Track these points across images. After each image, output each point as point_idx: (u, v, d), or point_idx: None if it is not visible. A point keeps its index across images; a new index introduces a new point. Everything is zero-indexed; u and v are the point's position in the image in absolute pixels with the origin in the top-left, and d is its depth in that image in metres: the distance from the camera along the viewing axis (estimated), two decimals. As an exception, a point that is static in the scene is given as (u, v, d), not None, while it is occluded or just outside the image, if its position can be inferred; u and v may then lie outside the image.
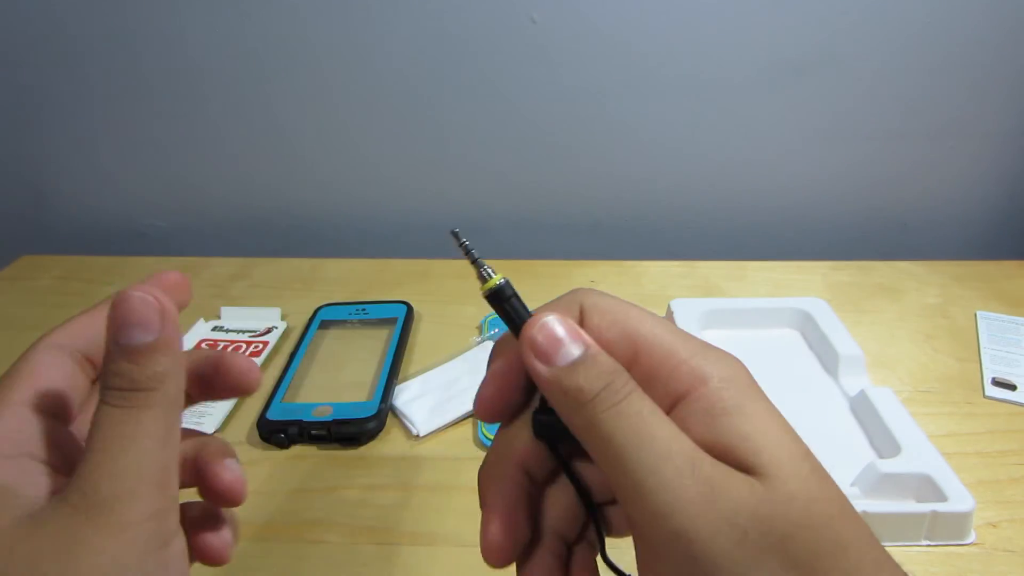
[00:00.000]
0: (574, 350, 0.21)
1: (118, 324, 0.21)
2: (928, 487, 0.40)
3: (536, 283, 0.67)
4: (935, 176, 0.75)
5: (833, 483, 0.20)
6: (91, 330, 0.25)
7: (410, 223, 0.80)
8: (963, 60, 0.68)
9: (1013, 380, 0.53)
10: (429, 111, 0.72)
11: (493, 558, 0.23)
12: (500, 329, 0.58)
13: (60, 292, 0.67)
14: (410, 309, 0.60)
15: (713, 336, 0.57)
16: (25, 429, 0.22)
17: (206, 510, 0.25)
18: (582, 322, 0.23)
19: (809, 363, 0.54)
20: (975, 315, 0.61)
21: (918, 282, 0.66)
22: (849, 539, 0.19)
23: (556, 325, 0.22)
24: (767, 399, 0.21)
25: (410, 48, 0.69)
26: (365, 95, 0.72)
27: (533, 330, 0.22)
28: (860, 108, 0.71)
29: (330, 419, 0.47)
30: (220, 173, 0.78)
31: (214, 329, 0.60)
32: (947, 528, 0.39)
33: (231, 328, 0.60)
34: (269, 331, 0.59)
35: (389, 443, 0.47)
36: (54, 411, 0.23)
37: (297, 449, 0.47)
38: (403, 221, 0.80)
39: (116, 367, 0.21)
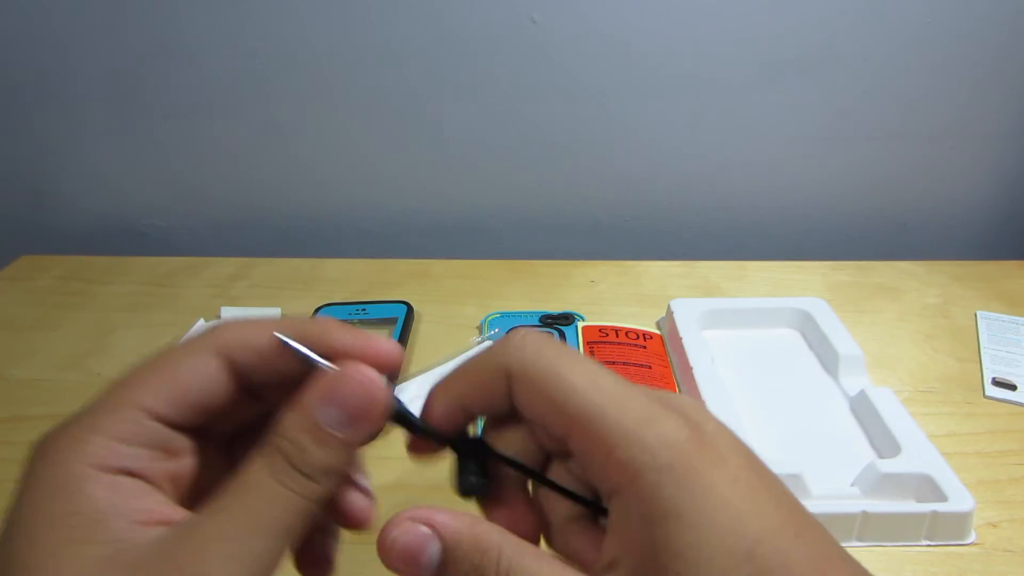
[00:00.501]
0: (433, 554, 0.20)
1: (326, 397, 0.20)
2: (928, 487, 0.40)
3: (536, 283, 0.67)
4: (935, 176, 0.75)
5: (783, 570, 0.18)
6: (256, 340, 0.22)
7: (410, 223, 0.80)
8: (963, 60, 0.68)
9: (1013, 380, 0.53)
10: (429, 111, 0.72)
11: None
12: (500, 329, 0.58)
13: (60, 292, 0.67)
14: (410, 309, 0.60)
15: (713, 336, 0.57)
16: (136, 438, 0.20)
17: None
18: (509, 390, 0.21)
19: (809, 363, 0.54)
20: (975, 315, 0.61)
21: (918, 282, 0.66)
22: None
23: (408, 535, 0.20)
24: (711, 475, 0.19)
25: (410, 48, 0.69)
26: (365, 95, 0.72)
27: (388, 541, 0.20)
28: (860, 108, 0.71)
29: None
30: (220, 173, 0.78)
31: (214, 329, 0.59)
32: (947, 528, 0.39)
33: (231, 328, 0.60)
34: (269, 331, 0.59)
35: (389, 443, 0.47)
36: (176, 420, 0.21)
37: (297, 449, 0.47)
38: (403, 221, 0.80)
39: (297, 438, 0.19)
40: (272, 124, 0.74)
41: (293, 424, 0.19)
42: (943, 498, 0.39)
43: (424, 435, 0.24)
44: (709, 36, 0.67)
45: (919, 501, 0.41)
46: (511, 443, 0.23)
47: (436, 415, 0.23)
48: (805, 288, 0.66)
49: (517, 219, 0.80)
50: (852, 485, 0.42)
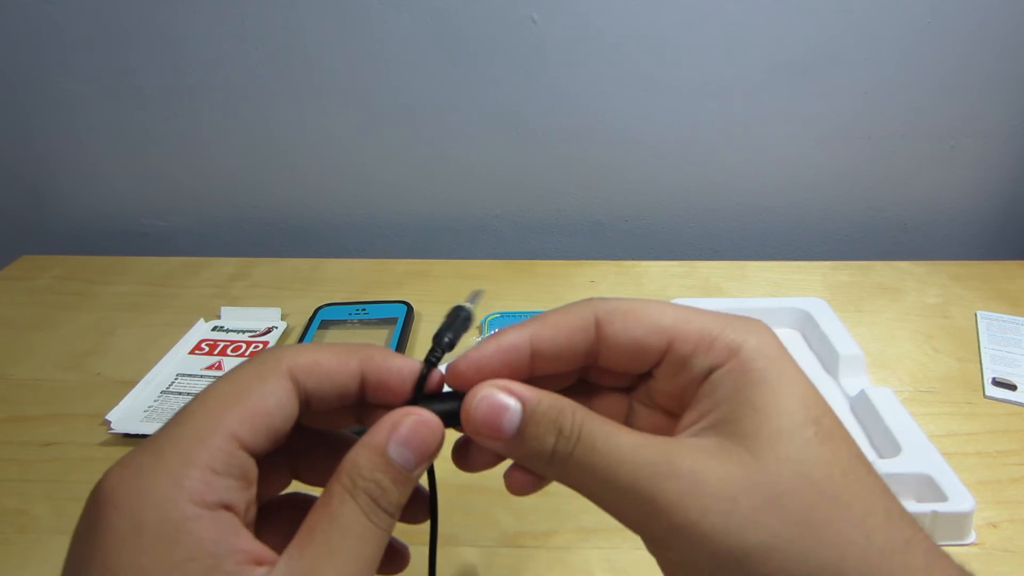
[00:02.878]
0: (514, 415, 0.22)
1: (399, 437, 0.21)
2: (928, 487, 0.40)
3: (536, 283, 0.67)
4: (935, 176, 0.75)
5: (841, 444, 0.21)
6: (334, 372, 0.23)
7: (410, 223, 0.80)
8: (964, 60, 0.68)
9: (1013, 380, 0.53)
10: (429, 111, 0.72)
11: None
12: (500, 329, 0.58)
13: (60, 292, 0.67)
14: (410, 309, 0.60)
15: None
16: (227, 469, 0.20)
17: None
18: (601, 332, 0.23)
19: (809, 363, 0.54)
20: (975, 315, 0.61)
21: (918, 282, 0.66)
22: (853, 494, 0.20)
23: (492, 396, 0.22)
24: (791, 364, 0.22)
25: (410, 48, 0.69)
26: (365, 95, 0.72)
27: (472, 409, 0.22)
28: (860, 108, 0.71)
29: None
30: (220, 173, 0.78)
31: (214, 329, 0.60)
32: (947, 528, 0.39)
33: (231, 328, 0.60)
34: (269, 331, 0.59)
35: (389, 443, 0.47)
36: (256, 448, 0.21)
37: (297, 449, 0.47)
38: (403, 221, 0.80)
39: (378, 477, 0.21)
40: (272, 124, 0.74)
41: (375, 467, 0.21)
42: (943, 498, 0.39)
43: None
44: (709, 36, 0.67)
45: (919, 501, 0.41)
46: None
47: (504, 345, 0.24)
48: (805, 288, 0.66)
49: (517, 219, 0.80)
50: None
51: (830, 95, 0.70)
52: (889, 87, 0.69)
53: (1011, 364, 0.54)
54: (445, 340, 0.25)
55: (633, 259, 0.71)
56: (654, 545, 0.21)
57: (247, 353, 0.56)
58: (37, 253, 0.74)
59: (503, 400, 0.22)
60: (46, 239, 0.83)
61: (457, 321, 0.25)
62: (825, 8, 0.65)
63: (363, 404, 0.24)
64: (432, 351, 0.24)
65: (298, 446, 0.24)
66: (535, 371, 0.24)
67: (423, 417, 0.22)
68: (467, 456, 0.25)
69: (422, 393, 0.24)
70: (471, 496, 0.43)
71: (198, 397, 0.21)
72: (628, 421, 0.26)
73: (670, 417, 0.25)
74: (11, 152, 0.77)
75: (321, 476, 0.24)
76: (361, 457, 0.21)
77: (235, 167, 0.77)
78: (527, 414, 0.22)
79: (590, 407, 0.23)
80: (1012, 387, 0.52)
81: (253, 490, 0.21)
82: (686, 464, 0.20)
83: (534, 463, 0.22)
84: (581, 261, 0.71)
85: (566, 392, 0.23)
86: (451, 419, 0.23)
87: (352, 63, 0.70)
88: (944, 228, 0.79)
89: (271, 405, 0.21)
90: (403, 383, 0.23)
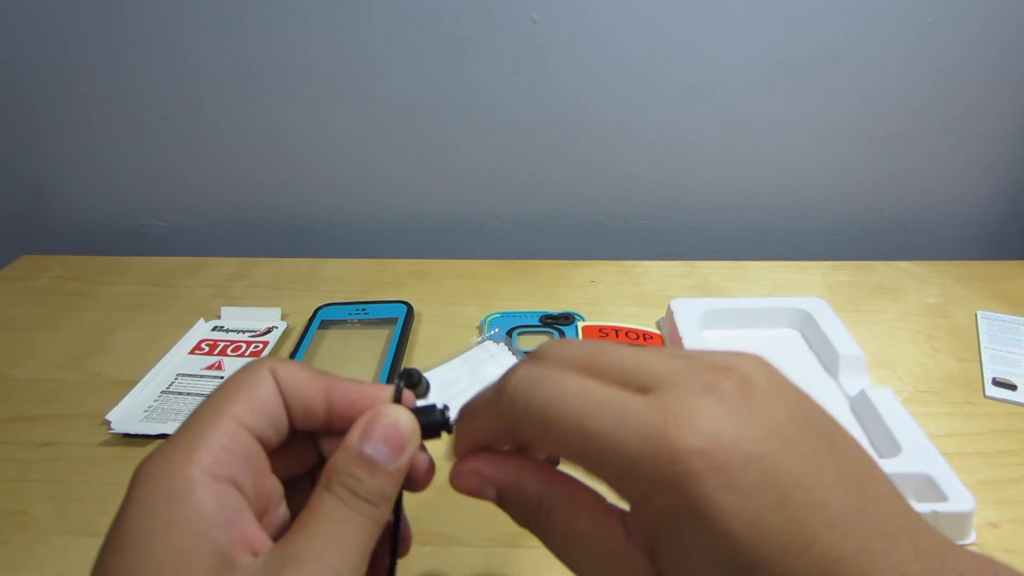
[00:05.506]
0: (491, 493, 0.24)
1: (370, 435, 0.23)
2: (928, 487, 0.40)
3: (536, 283, 0.67)
4: (935, 176, 0.75)
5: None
6: (306, 379, 0.25)
7: (410, 223, 0.80)
8: (964, 60, 0.68)
9: (1013, 380, 0.53)
10: (429, 111, 0.72)
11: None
12: (500, 329, 0.58)
13: (60, 292, 0.67)
14: (410, 309, 0.60)
15: (713, 336, 0.57)
16: (234, 447, 0.22)
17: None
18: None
19: (809, 363, 0.54)
20: (975, 315, 0.61)
21: (918, 282, 0.66)
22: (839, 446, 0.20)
23: (468, 483, 0.25)
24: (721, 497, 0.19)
25: (410, 48, 0.69)
26: (365, 95, 0.72)
27: (455, 483, 0.25)
28: (860, 108, 0.71)
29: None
30: (220, 173, 0.78)
31: (214, 329, 0.60)
32: (947, 528, 0.39)
33: (231, 328, 0.60)
34: (269, 331, 0.59)
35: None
36: (259, 434, 0.23)
37: (297, 449, 0.47)
38: (403, 221, 0.80)
39: (353, 470, 0.22)
40: (272, 124, 0.74)
41: (348, 461, 0.23)
42: (943, 498, 0.39)
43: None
44: (709, 36, 0.67)
45: (919, 501, 0.41)
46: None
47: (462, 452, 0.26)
48: (805, 288, 0.66)
49: (517, 219, 0.80)
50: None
51: (830, 95, 0.70)
52: (889, 87, 0.69)
53: (1011, 364, 0.54)
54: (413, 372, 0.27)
55: (633, 259, 0.71)
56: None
57: (247, 353, 0.56)
58: (37, 253, 0.74)
59: (479, 483, 0.24)
60: (46, 239, 0.83)
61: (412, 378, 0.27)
62: (825, 8, 0.65)
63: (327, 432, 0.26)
64: (400, 376, 0.26)
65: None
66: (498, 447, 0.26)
67: (392, 417, 0.23)
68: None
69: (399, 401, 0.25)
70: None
71: (205, 398, 0.23)
72: None
73: None
74: (11, 152, 0.77)
75: None
76: (338, 458, 0.23)
77: (235, 167, 0.77)
78: (500, 494, 0.24)
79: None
80: (1012, 387, 0.52)
81: (264, 480, 0.23)
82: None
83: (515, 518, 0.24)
84: (581, 261, 0.71)
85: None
86: (429, 431, 0.25)
87: (352, 63, 0.70)
88: (944, 228, 0.79)
89: (264, 394, 0.23)
90: (372, 403, 0.25)
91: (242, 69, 0.71)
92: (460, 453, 0.26)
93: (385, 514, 0.23)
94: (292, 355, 0.54)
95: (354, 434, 0.23)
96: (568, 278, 0.68)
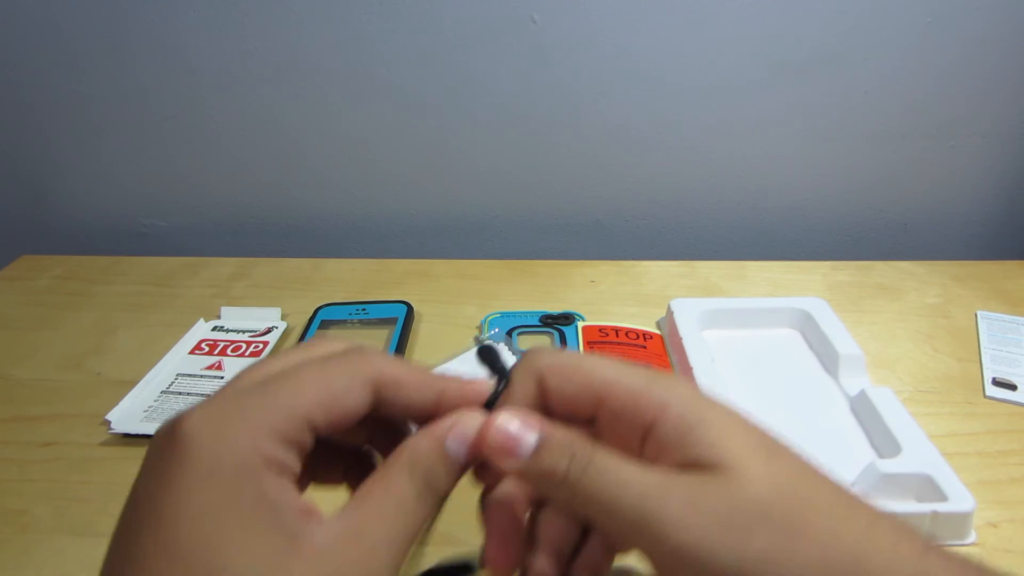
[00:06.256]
0: (531, 439, 0.24)
1: (452, 431, 0.24)
2: (928, 487, 0.40)
3: (536, 283, 0.67)
4: (935, 176, 0.75)
5: (790, 457, 0.23)
6: (413, 393, 0.26)
7: (410, 223, 0.80)
8: (964, 60, 0.68)
9: (1013, 380, 0.53)
10: (429, 111, 0.72)
11: (496, 570, 0.26)
12: (500, 329, 0.58)
13: (60, 292, 0.67)
14: (410, 309, 0.60)
15: (713, 336, 0.57)
16: (297, 444, 0.23)
17: None
18: (542, 387, 0.25)
19: (809, 363, 0.54)
20: (975, 315, 0.61)
21: (918, 282, 0.66)
22: (815, 496, 0.22)
23: (509, 424, 0.24)
24: (722, 405, 0.24)
25: (410, 48, 0.69)
26: (365, 95, 0.72)
27: (490, 435, 0.24)
28: (860, 108, 0.71)
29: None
30: (220, 173, 0.78)
31: (214, 329, 0.60)
32: (947, 528, 0.39)
33: (231, 328, 0.60)
34: (269, 331, 0.59)
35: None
36: (322, 432, 0.23)
37: (297, 449, 0.47)
38: (403, 221, 0.80)
39: (436, 464, 0.24)
40: (272, 124, 0.74)
41: (435, 454, 0.24)
42: (943, 498, 0.39)
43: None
44: (709, 36, 0.67)
45: (919, 501, 0.41)
46: (550, 522, 0.27)
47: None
48: (805, 288, 0.66)
49: (517, 219, 0.80)
50: (852, 485, 0.42)
51: (830, 95, 0.70)
52: (889, 87, 0.69)
53: (1011, 364, 0.54)
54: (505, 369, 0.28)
55: (633, 259, 0.71)
56: (660, 570, 0.23)
57: (247, 353, 0.56)
58: (37, 253, 0.74)
59: (519, 427, 0.24)
60: (46, 239, 0.83)
61: (493, 355, 0.30)
62: (825, 8, 0.65)
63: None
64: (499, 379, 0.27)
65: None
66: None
67: (483, 421, 0.25)
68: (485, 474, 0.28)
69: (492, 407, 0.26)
70: (471, 496, 0.43)
71: (289, 369, 0.24)
72: None
73: None
74: (11, 152, 0.77)
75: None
76: (422, 443, 0.24)
77: (235, 167, 0.77)
78: (544, 439, 0.24)
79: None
80: (1012, 387, 0.52)
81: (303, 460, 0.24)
82: (681, 491, 0.22)
83: (546, 485, 0.24)
84: (581, 261, 0.71)
85: None
86: None
87: (352, 63, 0.70)
88: (944, 228, 0.79)
89: (349, 406, 0.24)
90: (470, 400, 0.26)
91: (242, 69, 0.71)
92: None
93: (437, 510, 0.24)
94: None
95: (445, 429, 0.24)
96: (568, 278, 0.68)
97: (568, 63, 0.69)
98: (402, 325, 0.58)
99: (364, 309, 0.60)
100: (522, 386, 0.26)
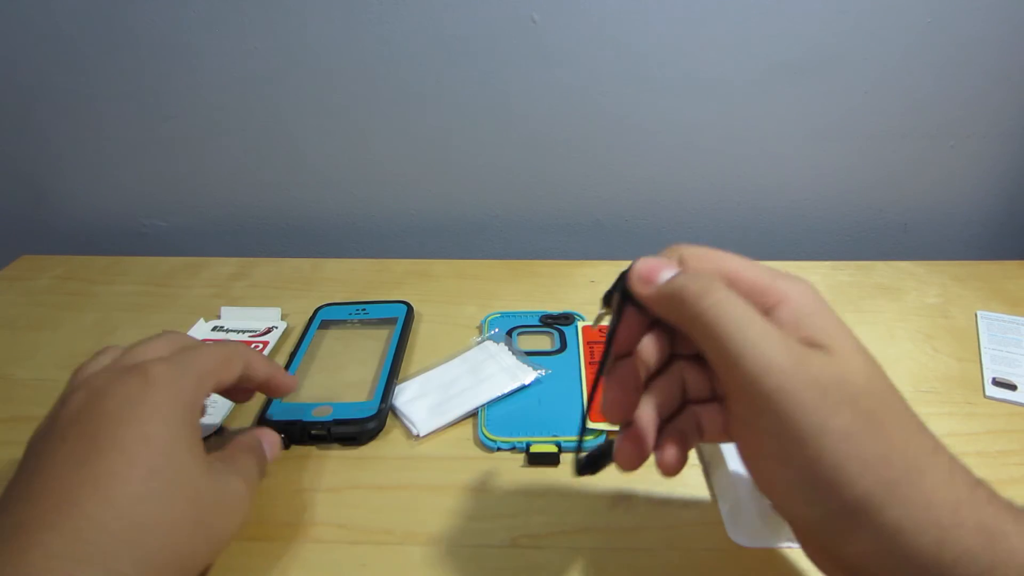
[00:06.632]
0: (671, 270, 0.29)
1: (269, 443, 0.42)
2: (928, 487, 0.40)
3: (536, 283, 0.67)
4: (935, 176, 0.75)
5: (879, 367, 0.27)
6: (260, 371, 0.40)
7: (410, 223, 0.80)
8: (964, 60, 0.68)
9: (1013, 380, 0.53)
10: (429, 111, 0.72)
11: (610, 414, 0.31)
12: (500, 329, 0.58)
13: (60, 292, 0.67)
14: (410, 309, 0.60)
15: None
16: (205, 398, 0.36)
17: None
18: (684, 264, 0.29)
19: (809, 363, 0.54)
20: (975, 315, 0.61)
21: (918, 282, 0.67)
22: (898, 404, 0.26)
23: (652, 258, 0.29)
24: (833, 311, 0.27)
25: (410, 48, 0.69)
26: (365, 94, 0.72)
27: (637, 266, 0.29)
28: (860, 108, 0.71)
29: (330, 419, 0.47)
30: (220, 173, 0.78)
31: (214, 329, 0.60)
32: (947, 528, 0.39)
33: (231, 328, 0.60)
34: (269, 331, 0.59)
35: (389, 443, 0.47)
36: (223, 384, 0.37)
37: (297, 449, 0.47)
38: (403, 221, 0.80)
39: (260, 454, 0.41)
40: (272, 124, 0.74)
41: (255, 441, 0.42)
42: (943, 498, 0.39)
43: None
44: (709, 36, 0.67)
45: (919, 501, 0.41)
46: (659, 389, 0.31)
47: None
48: (805, 288, 0.66)
49: (517, 219, 0.80)
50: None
51: (830, 95, 0.70)
52: (889, 87, 0.69)
53: (1011, 364, 0.54)
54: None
55: (633, 259, 0.71)
56: (741, 408, 0.26)
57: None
58: (37, 253, 0.74)
59: (668, 262, 0.29)
60: (46, 239, 0.83)
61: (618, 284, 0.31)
62: (825, 8, 0.65)
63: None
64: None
65: None
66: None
67: (277, 439, 0.43)
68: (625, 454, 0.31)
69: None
70: (471, 496, 0.43)
71: (206, 347, 0.37)
72: None
73: None
74: (11, 152, 0.78)
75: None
76: (250, 437, 0.41)
77: (235, 167, 0.77)
78: (685, 270, 0.29)
79: None
80: (1012, 387, 0.52)
81: None
82: (794, 349, 0.25)
83: (675, 302, 0.27)
84: (581, 261, 0.71)
85: None
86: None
87: (352, 63, 0.70)
88: (944, 228, 0.79)
89: (235, 373, 0.38)
90: (286, 392, 0.42)
91: (242, 69, 0.71)
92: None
93: (265, 466, 0.41)
94: (292, 355, 0.55)
95: (256, 435, 0.41)
96: (568, 278, 0.68)
97: (568, 63, 0.69)
98: (402, 325, 0.58)
99: (364, 309, 0.60)
100: (666, 257, 0.30)
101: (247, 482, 0.35)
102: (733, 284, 0.27)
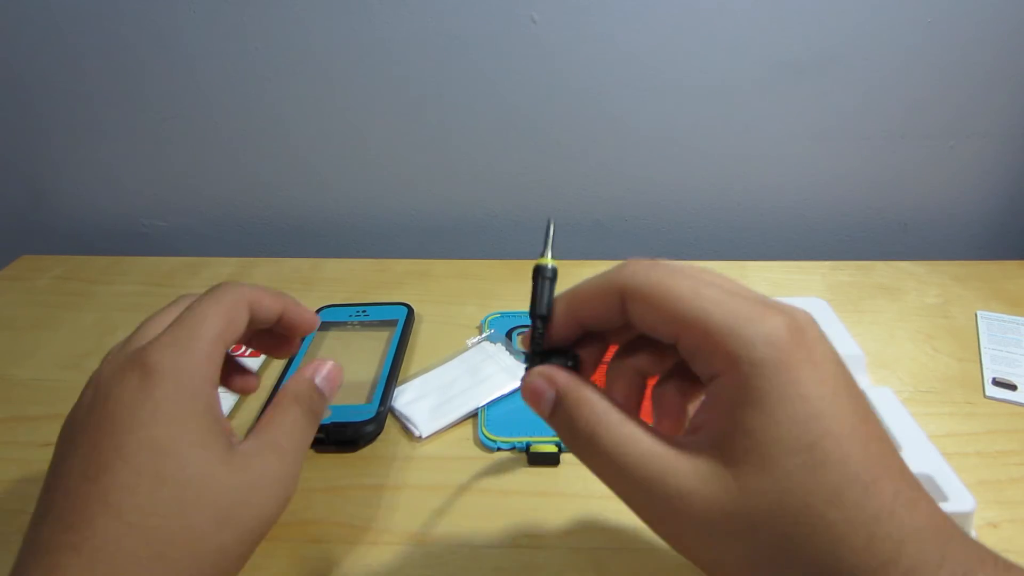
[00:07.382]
0: (549, 397, 0.27)
1: (318, 371, 0.35)
2: (928, 487, 0.40)
3: (536, 283, 0.67)
4: (935, 176, 0.75)
5: (833, 470, 0.21)
6: (271, 306, 0.35)
7: (410, 223, 0.80)
8: (964, 60, 0.68)
9: (1013, 380, 0.53)
10: (429, 111, 0.72)
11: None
12: (498, 330, 0.58)
13: (60, 292, 0.67)
14: (411, 311, 0.60)
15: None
16: (219, 357, 0.31)
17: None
18: (624, 306, 0.27)
19: (809, 363, 0.54)
20: (975, 315, 0.61)
21: (918, 282, 0.66)
22: (833, 520, 0.20)
23: (535, 380, 0.28)
24: (800, 377, 0.21)
25: (410, 48, 0.69)
26: (365, 95, 0.72)
27: (522, 388, 0.28)
28: (860, 108, 0.71)
29: (328, 422, 0.46)
30: (220, 173, 0.78)
31: (214, 329, 0.59)
32: (947, 528, 0.39)
33: (231, 328, 0.59)
34: (269, 331, 0.59)
35: (389, 444, 0.47)
36: (229, 345, 0.32)
37: (297, 449, 0.47)
38: (403, 221, 0.80)
39: (314, 397, 0.34)
40: (272, 124, 0.74)
41: (309, 386, 0.34)
42: (944, 498, 0.39)
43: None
44: (709, 37, 0.67)
45: (919, 501, 0.40)
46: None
47: (558, 327, 0.30)
48: (805, 288, 0.66)
49: (517, 219, 0.80)
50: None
51: (830, 95, 0.70)
52: (889, 87, 0.69)
53: (1011, 364, 0.54)
54: (540, 312, 0.31)
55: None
56: (665, 537, 0.24)
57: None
58: (37, 253, 0.74)
59: (543, 383, 0.27)
60: (46, 239, 0.83)
61: (542, 284, 0.32)
62: (825, 8, 0.65)
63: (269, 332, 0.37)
64: (534, 327, 0.30)
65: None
66: (591, 327, 0.29)
67: (336, 364, 0.36)
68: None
69: (540, 348, 0.29)
70: (471, 496, 0.43)
71: (187, 312, 0.31)
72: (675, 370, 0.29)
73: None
74: (11, 152, 0.78)
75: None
76: (299, 382, 0.34)
77: (235, 167, 0.77)
78: (558, 399, 0.27)
79: (641, 354, 0.28)
80: (1012, 387, 0.52)
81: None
82: (674, 485, 0.22)
83: (565, 442, 0.27)
84: (581, 261, 0.71)
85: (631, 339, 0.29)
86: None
87: (352, 63, 0.70)
88: (944, 228, 0.79)
89: (241, 325, 0.32)
90: (308, 327, 0.37)
91: (242, 69, 0.71)
92: (555, 327, 0.30)
93: (318, 424, 0.34)
94: (292, 356, 0.54)
95: (312, 371, 0.35)
96: (568, 278, 0.67)
97: (568, 63, 0.69)
98: (402, 327, 0.58)
99: (364, 311, 0.60)
100: (602, 298, 0.28)
101: (284, 454, 0.31)
102: (680, 338, 0.24)
